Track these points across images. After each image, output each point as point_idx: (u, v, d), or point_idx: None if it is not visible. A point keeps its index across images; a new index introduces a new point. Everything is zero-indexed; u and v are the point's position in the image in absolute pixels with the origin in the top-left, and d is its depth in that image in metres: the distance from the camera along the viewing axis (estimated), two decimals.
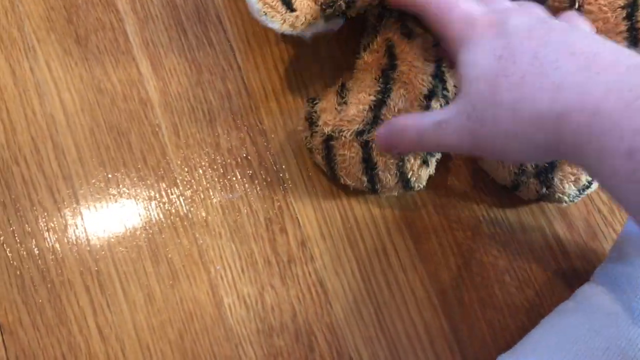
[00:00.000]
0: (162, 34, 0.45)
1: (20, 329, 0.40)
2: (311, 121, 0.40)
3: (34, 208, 0.42)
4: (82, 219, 0.41)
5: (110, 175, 0.42)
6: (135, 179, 0.42)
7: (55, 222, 0.41)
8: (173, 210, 0.42)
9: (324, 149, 0.39)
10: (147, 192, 0.42)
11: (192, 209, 0.42)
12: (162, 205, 0.42)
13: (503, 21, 0.30)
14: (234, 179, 0.42)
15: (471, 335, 0.40)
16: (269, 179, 0.43)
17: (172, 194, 0.42)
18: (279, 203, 0.42)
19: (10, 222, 0.41)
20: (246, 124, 0.43)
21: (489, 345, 0.40)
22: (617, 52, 0.26)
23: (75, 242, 0.41)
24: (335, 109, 0.39)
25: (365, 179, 0.39)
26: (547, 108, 0.26)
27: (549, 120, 0.26)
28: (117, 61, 0.44)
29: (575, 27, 0.30)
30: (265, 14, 0.35)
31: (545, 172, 0.38)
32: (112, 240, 0.41)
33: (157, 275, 0.41)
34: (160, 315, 0.40)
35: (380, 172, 0.38)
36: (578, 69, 0.26)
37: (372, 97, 0.38)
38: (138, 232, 0.41)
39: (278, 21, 0.35)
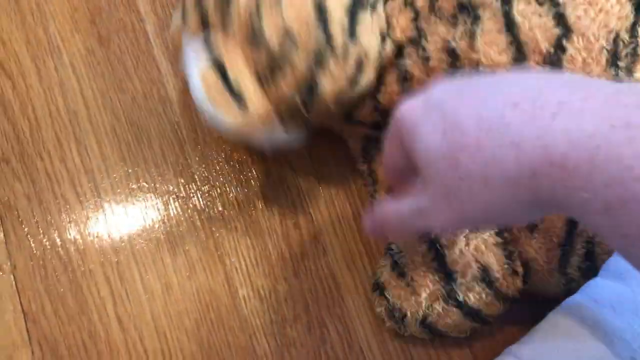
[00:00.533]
0: None
1: (43, 317, 0.41)
2: (393, 314, 0.39)
3: (57, 201, 0.43)
4: (103, 211, 0.43)
5: (130, 170, 0.44)
6: (154, 174, 0.44)
7: (77, 215, 0.43)
8: (191, 205, 0.43)
9: (424, 328, 0.39)
10: (165, 187, 0.44)
11: (209, 203, 0.43)
12: (180, 200, 0.43)
13: (426, 97, 0.28)
14: (250, 174, 0.44)
15: (480, 329, 0.41)
16: (283, 175, 0.44)
17: (190, 189, 0.44)
18: (292, 199, 0.44)
19: (34, 214, 0.43)
20: None
21: (496, 337, 0.41)
22: (564, 86, 0.24)
23: (96, 234, 0.43)
24: (407, 292, 0.38)
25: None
26: (516, 170, 0.24)
27: (524, 179, 0.24)
28: (138, 61, 0.46)
29: (496, 74, 0.28)
30: (216, 111, 0.33)
31: (589, 270, 0.37)
32: (132, 232, 0.43)
33: (175, 267, 0.42)
34: (178, 306, 0.41)
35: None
36: (531, 119, 0.24)
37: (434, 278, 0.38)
38: (157, 225, 0.43)
39: (230, 119, 0.33)
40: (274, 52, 0.32)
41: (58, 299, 0.41)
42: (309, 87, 0.33)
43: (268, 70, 0.33)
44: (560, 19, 0.33)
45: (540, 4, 0.34)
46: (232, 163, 0.44)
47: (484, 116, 0.25)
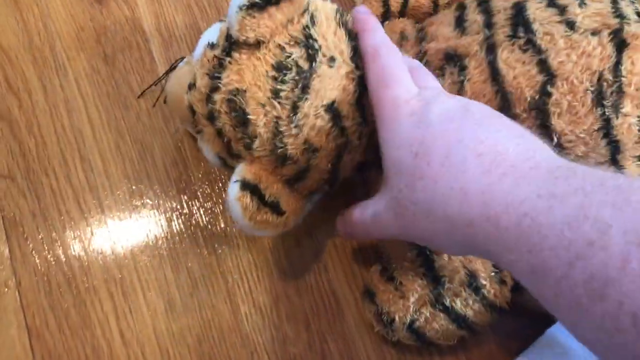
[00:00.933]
0: (185, 54, 0.47)
1: (47, 332, 0.42)
2: (382, 318, 0.39)
3: (62, 217, 0.44)
4: (107, 228, 0.44)
5: (134, 187, 0.44)
6: (158, 190, 0.44)
7: (81, 231, 0.44)
8: (193, 222, 0.44)
9: (412, 334, 0.39)
10: (169, 204, 0.44)
11: (211, 220, 0.44)
12: (183, 217, 0.44)
13: (425, 110, 0.30)
14: None
15: (478, 342, 0.42)
16: None
17: (192, 206, 0.44)
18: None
19: (39, 230, 0.43)
20: None
21: (494, 353, 0.41)
22: (523, 152, 0.26)
23: (100, 250, 0.43)
24: (395, 295, 0.39)
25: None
26: (457, 214, 0.27)
27: (461, 225, 0.27)
28: (143, 79, 0.47)
29: (496, 114, 0.30)
30: (258, 229, 0.34)
31: None
32: (135, 249, 0.43)
33: (177, 283, 0.43)
34: (180, 322, 0.42)
35: None
36: (483, 173, 0.26)
37: (422, 279, 0.38)
38: (160, 242, 0.43)
39: (271, 230, 0.35)
40: (300, 165, 0.34)
41: (62, 314, 0.42)
42: (333, 174, 0.36)
43: (296, 178, 0.35)
44: (544, 66, 0.34)
45: (524, 51, 0.35)
46: None
47: (451, 156, 0.27)
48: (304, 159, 0.34)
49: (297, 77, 0.32)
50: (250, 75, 0.33)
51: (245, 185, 0.33)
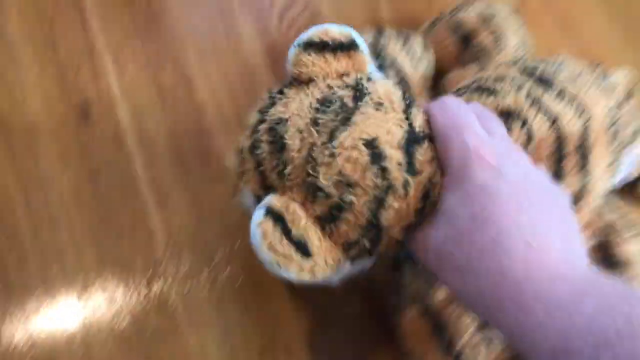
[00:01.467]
0: (167, 172, 0.49)
1: None
2: None
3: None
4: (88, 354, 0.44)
5: (116, 307, 0.45)
6: (138, 312, 0.45)
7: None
8: (178, 346, 0.45)
9: None
10: (149, 324, 0.45)
11: (192, 340, 0.45)
12: (169, 342, 0.45)
13: (498, 173, 0.30)
14: (230, 311, 0.46)
15: None
16: (264, 310, 0.46)
17: (179, 332, 0.45)
18: (272, 331, 0.45)
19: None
20: (245, 258, 0.47)
21: None
22: (565, 252, 0.29)
23: None
24: None
25: None
26: (489, 291, 0.28)
27: (490, 300, 0.28)
28: (126, 197, 0.48)
29: (549, 189, 0.32)
30: (278, 263, 0.32)
31: None
32: None
33: None
34: None
35: None
36: (525, 267, 0.28)
37: None
38: None
39: (294, 270, 0.32)
40: (332, 200, 0.32)
41: None
42: (373, 227, 0.33)
43: (328, 218, 0.33)
44: (579, 108, 0.39)
45: (561, 99, 0.39)
46: (212, 300, 0.46)
47: (506, 236, 0.29)
48: (337, 193, 0.32)
49: (339, 110, 0.33)
50: (295, 106, 0.34)
51: (269, 212, 0.32)
